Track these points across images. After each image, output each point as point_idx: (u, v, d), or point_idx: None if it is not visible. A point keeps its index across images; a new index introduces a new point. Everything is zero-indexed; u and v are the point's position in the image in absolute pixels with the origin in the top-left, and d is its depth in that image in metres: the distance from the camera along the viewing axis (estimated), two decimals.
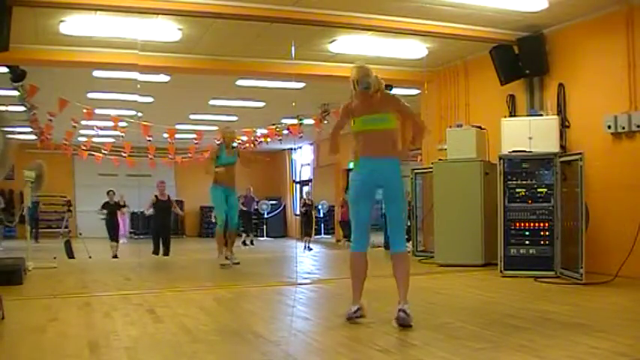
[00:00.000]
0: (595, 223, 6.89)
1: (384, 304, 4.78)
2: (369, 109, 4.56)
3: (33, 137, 14.00)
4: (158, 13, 7.01)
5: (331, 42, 8.40)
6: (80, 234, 16.76)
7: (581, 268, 6.26)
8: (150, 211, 12.11)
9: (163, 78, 10.40)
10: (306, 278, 7.43)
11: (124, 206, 14.05)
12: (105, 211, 13.18)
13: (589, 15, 7.27)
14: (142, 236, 16.16)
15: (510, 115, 8.43)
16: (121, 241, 13.92)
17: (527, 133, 7.33)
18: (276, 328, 4.50)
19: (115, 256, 12.69)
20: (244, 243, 17.29)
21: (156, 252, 11.84)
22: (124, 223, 14.55)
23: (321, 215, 19.51)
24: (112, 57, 8.47)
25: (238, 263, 8.59)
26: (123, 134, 12.33)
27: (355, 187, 4.56)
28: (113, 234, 13.26)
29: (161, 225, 12.07)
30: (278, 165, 23.27)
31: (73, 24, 7.30)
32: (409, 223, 9.09)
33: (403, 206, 4.58)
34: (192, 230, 22.01)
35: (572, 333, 4.03)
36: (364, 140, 4.53)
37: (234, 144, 8.95)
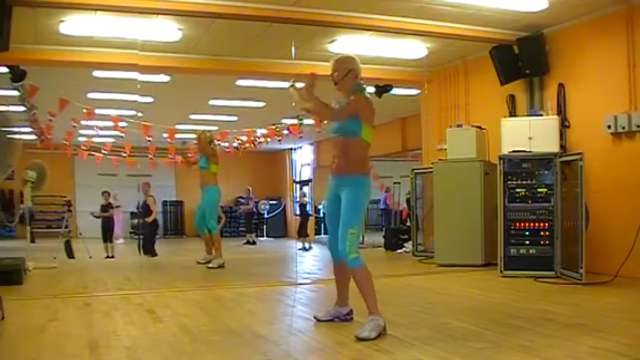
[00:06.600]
0: (595, 223, 6.90)
1: (383, 304, 4.77)
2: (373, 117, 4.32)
3: (33, 137, 13.98)
4: (158, 13, 7.01)
5: (331, 42, 8.40)
6: (80, 234, 16.73)
7: (581, 268, 6.27)
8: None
9: (163, 78, 10.38)
10: (306, 278, 7.44)
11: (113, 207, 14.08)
12: (103, 213, 13.24)
13: (589, 15, 7.28)
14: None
15: (510, 115, 8.43)
16: (118, 241, 13.91)
17: (527, 133, 7.34)
18: (276, 328, 4.50)
19: (108, 257, 12.69)
20: (248, 242, 17.37)
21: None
22: (116, 223, 14.52)
23: (322, 215, 19.47)
24: (112, 57, 8.47)
25: (205, 264, 8.50)
26: (123, 134, 12.30)
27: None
28: (104, 235, 13.28)
29: (142, 226, 12.12)
30: (278, 165, 23.25)
31: (73, 24, 7.30)
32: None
33: None
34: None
35: (573, 333, 4.04)
36: (367, 153, 4.33)
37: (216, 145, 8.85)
